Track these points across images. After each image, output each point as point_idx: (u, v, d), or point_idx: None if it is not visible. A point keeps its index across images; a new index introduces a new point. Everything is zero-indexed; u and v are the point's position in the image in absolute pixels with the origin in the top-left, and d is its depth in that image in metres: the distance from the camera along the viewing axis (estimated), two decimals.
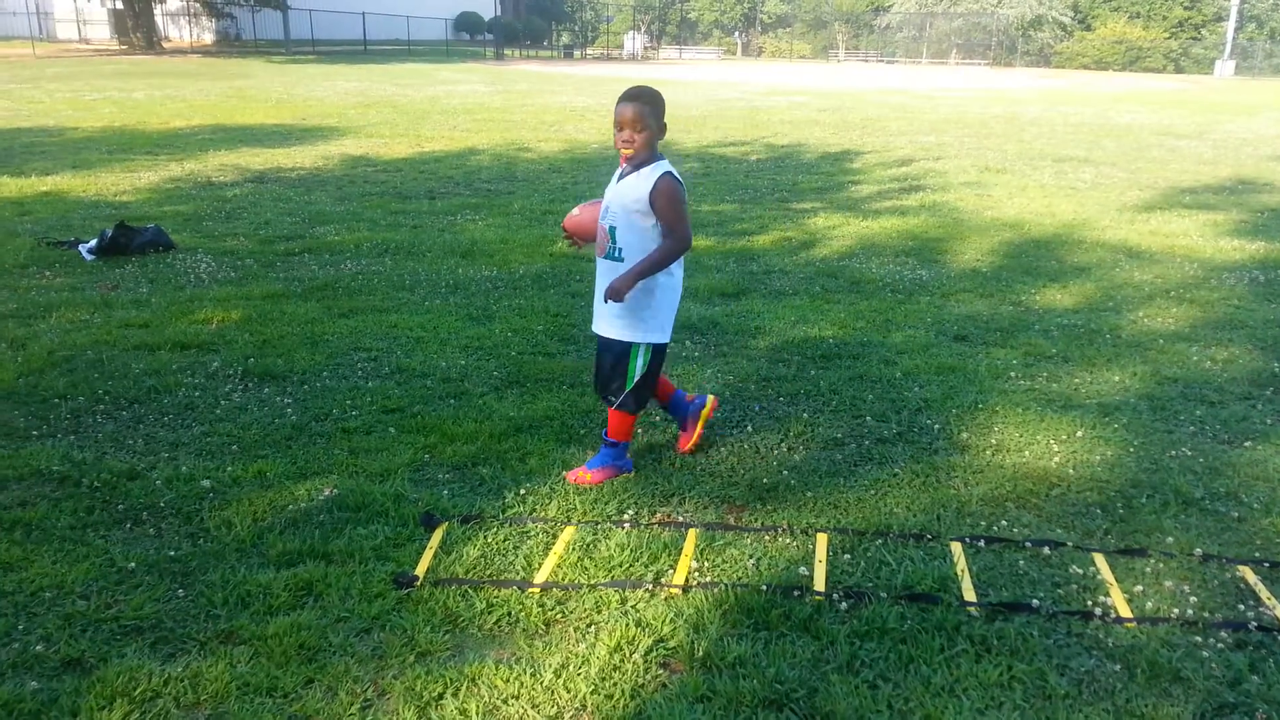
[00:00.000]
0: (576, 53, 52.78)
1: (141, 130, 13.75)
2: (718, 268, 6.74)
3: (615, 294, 3.19)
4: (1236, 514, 3.30)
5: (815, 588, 2.80)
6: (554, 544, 3.04)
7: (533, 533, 3.12)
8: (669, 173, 3.21)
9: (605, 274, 3.31)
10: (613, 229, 3.27)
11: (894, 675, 2.43)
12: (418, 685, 2.35)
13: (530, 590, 2.77)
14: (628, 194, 3.22)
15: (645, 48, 56.50)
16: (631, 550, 3.00)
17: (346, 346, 4.90)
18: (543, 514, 3.24)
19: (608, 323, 3.36)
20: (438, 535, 3.06)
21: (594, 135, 14.70)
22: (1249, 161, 12.85)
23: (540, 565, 2.92)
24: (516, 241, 7.38)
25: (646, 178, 3.19)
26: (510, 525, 3.15)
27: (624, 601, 2.73)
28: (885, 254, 7.29)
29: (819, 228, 8.26)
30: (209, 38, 46.99)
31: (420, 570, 2.86)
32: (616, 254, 3.27)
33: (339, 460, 3.61)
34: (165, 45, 41.39)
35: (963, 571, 2.89)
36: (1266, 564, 2.97)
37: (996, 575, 2.91)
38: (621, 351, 3.36)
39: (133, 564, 2.86)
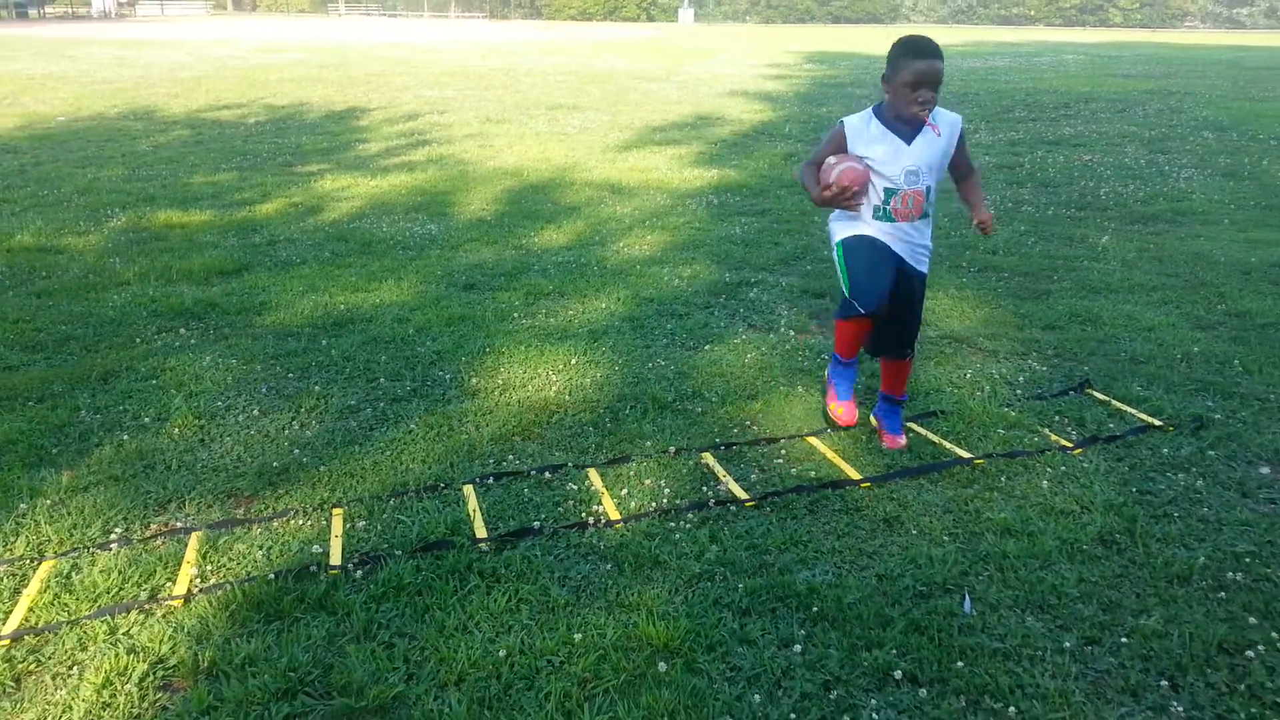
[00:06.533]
0: (33, 11, 45.08)
1: None
2: (215, 244, 6.26)
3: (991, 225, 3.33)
4: (700, 409, 3.84)
5: (331, 562, 2.77)
6: (25, 586, 2.65)
7: None
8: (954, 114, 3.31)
9: (910, 234, 3.31)
10: (928, 189, 3.27)
11: (410, 629, 2.49)
12: None
13: None
14: (942, 150, 3.24)
15: (120, 4, 49.76)
16: (121, 572, 2.71)
17: None
18: (8, 555, 2.81)
19: (926, 262, 3.42)
20: None
21: (60, 106, 12.70)
22: (706, 99, 14.76)
23: (8, 615, 2.53)
24: None
25: (949, 132, 3.23)
26: None
27: (113, 631, 2.47)
28: (396, 212, 7.27)
29: (327, 190, 8.00)
30: None
31: None
32: (928, 212, 3.32)
33: None
34: None
35: (474, 511, 3.04)
36: (722, 446, 3.51)
37: (506, 508, 3.09)
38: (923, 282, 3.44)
39: None
